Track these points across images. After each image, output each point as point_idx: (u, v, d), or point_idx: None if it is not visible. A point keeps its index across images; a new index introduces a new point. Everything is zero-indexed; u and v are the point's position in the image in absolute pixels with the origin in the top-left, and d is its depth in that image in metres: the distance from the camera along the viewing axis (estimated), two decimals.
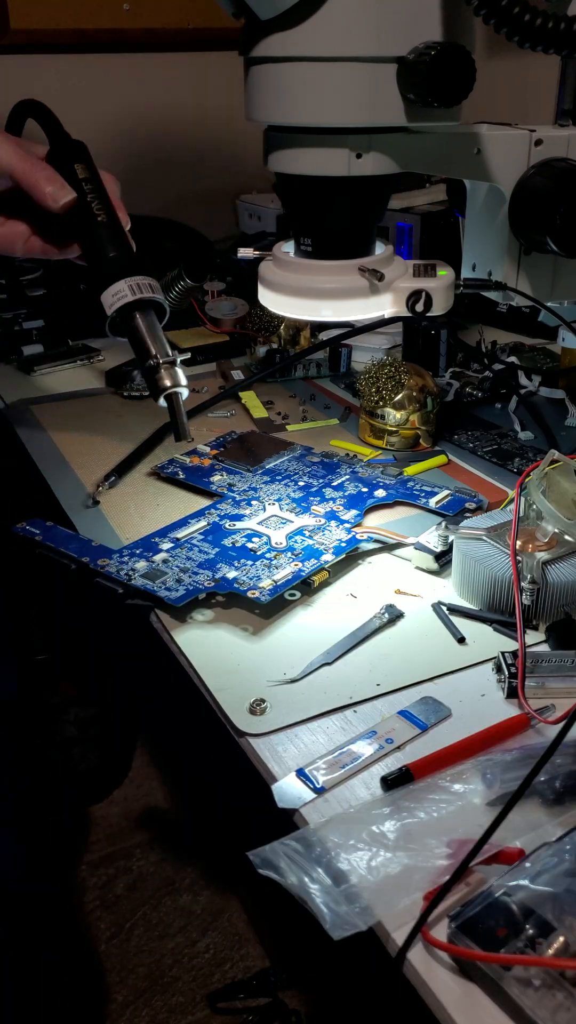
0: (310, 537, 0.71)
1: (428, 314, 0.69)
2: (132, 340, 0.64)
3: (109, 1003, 1.14)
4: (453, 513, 0.75)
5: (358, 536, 0.71)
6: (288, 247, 0.71)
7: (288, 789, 0.50)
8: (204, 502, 0.78)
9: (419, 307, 0.68)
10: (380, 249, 0.70)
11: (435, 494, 0.78)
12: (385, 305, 0.69)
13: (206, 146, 1.64)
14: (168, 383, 0.63)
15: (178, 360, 0.63)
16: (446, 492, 0.78)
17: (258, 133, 0.67)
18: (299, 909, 0.43)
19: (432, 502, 0.77)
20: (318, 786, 0.50)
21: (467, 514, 0.75)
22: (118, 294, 0.63)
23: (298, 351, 1.07)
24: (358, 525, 0.73)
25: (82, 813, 1.40)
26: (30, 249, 0.67)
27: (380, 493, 0.78)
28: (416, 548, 0.69)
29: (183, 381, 0.63)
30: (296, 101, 0.61)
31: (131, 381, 1.03)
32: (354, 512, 0.75)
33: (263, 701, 0.56)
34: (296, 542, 0.70)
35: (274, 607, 0.65)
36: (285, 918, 1.19)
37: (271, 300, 0.70)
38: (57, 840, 1.34)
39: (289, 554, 0.69)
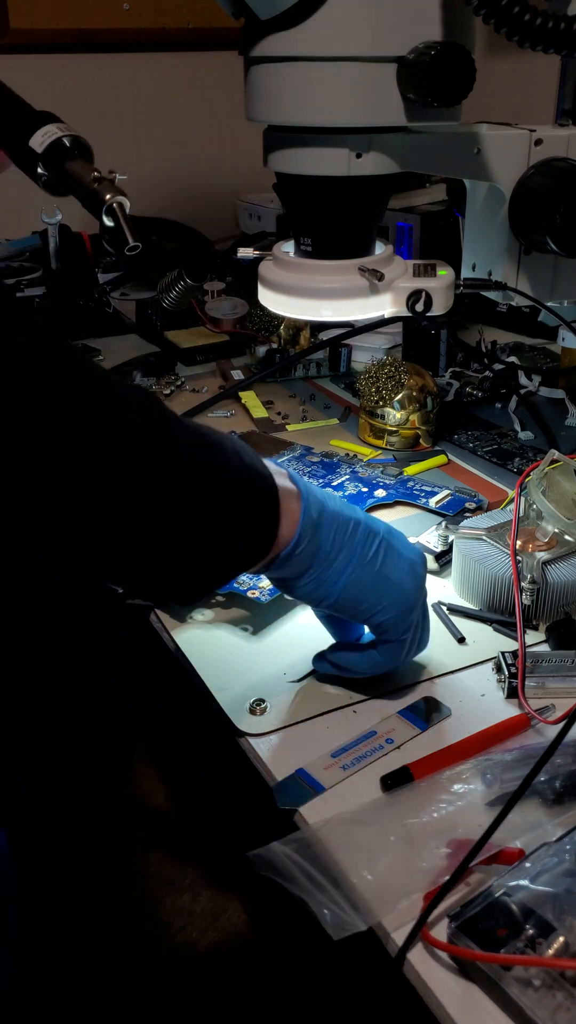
0: None
1: (428, 314, 0.69)
2: (67, 176, 0.66)
3: (109, 1003, 1.14)
4: (453, 513, 0.75)
5: None
6: (288, 247, 0.71)
7: (288, 789, 0.50)
8: None
9: (419, 307, 0.68)
10: (380, 249, 0.70)
11: (435, 494, 0.78)
12: (385, 305, 0.69)
13: (206, 146, 1.64)
14: (108, 195, 0.65)
15: (116, 177, 0.66)
16: (446, 492, 0.78)
17: (258, 133, 0.67)
18: (299, 909, 0.43)
19: (432, 502, 0.77)
20: (318, 786, 0.50)
21: (467, 514, 0.75)
22: (47, 132, 0.65)
23: (298, 351, 1.07)
24: None
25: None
26: None
27: (380, 493, 0.78)
28: None
29: (122, 190, 0.65)
30: (296, 101, 0.61)
31: (130, 381, 1.03)
32: None
33: (263, 701, 0.56)
34: None
35: (274, 607, 0.65)
36: (285, 918, 1.19)
37: (271, 300, 0.70)
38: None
39: None
